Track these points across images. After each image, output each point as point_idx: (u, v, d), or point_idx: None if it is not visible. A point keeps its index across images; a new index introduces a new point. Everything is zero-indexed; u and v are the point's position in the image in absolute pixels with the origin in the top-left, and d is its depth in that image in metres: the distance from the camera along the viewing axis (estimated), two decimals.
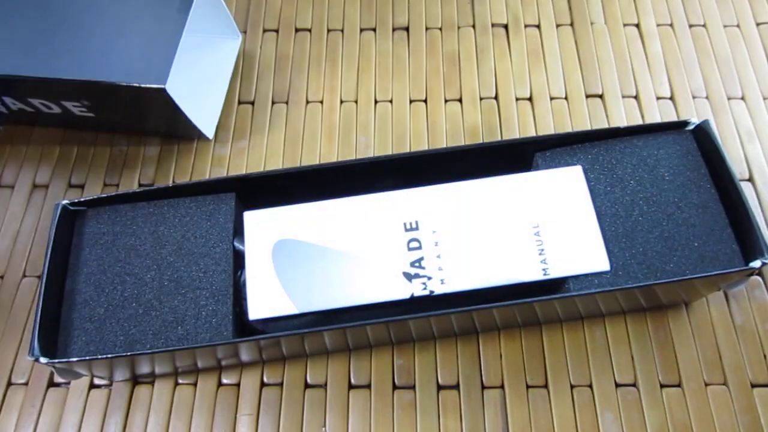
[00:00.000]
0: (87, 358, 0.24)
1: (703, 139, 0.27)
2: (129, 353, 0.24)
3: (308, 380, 0.29)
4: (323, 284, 0.25)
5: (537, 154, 0.28)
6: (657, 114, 0.35)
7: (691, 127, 0.28)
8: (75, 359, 0.24)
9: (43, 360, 0.23)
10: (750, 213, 0.25)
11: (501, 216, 0.26)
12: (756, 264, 0.24)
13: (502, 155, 0.29)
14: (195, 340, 0.25)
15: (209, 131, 0.35)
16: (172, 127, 0.34)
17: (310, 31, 0.39)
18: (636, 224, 0.26)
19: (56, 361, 0.24)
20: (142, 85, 0.30)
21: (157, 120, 0.34)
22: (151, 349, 0.25)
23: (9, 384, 0.29)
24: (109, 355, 0.24)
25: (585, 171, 0.27)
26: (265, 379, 0.29)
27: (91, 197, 0.27)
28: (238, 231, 0.27)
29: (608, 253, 0.26)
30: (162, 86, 0.29)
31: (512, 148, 0.29)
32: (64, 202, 0.27)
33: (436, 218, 0.26)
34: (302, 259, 0.26)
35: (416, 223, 0.26)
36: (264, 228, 0.26)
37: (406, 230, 0.26)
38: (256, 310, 0.25)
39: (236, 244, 0.27)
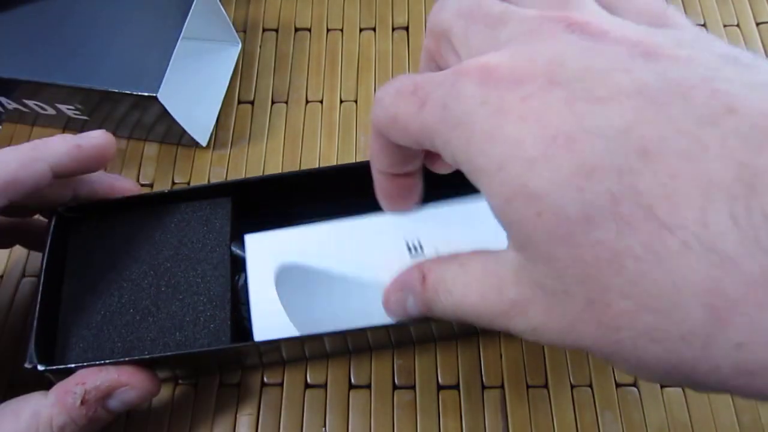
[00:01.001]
0: (84, 365, 0.24)
1: None
2: (126, 358, 0.24)
3: (308, 380, 0.29)
4: (326, 309, 0.25)
5: None
6: None
7: None
8: (73, 366, 0.24)
9: (41, 367, 0.23)
10: None
11: (504, 235, 0.26)
12: None
13: None
14: (193, 346, 0.25)
15: (203, 139, 0.35)
16: (165, 133, 0.34)
17: (309, 30, 0.39)
18: None
19: (54, 368, 0.23)
20: (135, 93, 0.30)
21: (150, 126, 0.34)
22: (149, 355, 0.24)
23: (10, 383, 0.29)
24: (107, 361, 0.24)
25: None
26: (265, 380, 0.29)
27: (87, 203, 0.27)
28: (235, 236, 0.27)
29: None
30: (154, 95, 0.29)
31: None
32: (59, 209, 0.27)
33: (440, 239, 0.26)
34: (305, 283, 0.25)
35: (419, 243, 0.26)
36: (266, 251, 0.26)
37: (411, 253, 0.26)
38: (260, 334, 0.25)
39: (234, 249, 0.27)
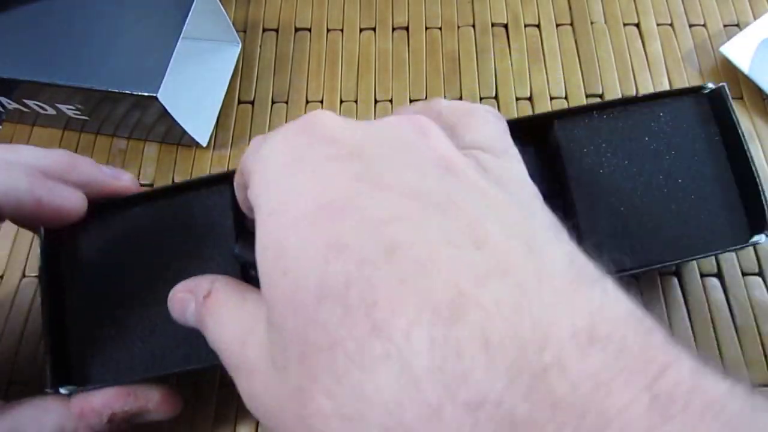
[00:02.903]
0: (100, 386, 0.23)
1: (718, 104, 0.27)
2: (145, 376, 0.23)
3: None
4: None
5: (556, 122, 0.27)
6: None
7: (706, 91, 0.27)
8: (93, 387, 0.23)
9: (63, 391, 0.23)
10: (758, 184, 0.25)
11: None
12: (760, 239, 0.24)
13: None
14: (206, 358, 0.23)
15: (203, 139, 0.35)
16: (165, 133, 0.34)
17: (310, 30, 0.39)
18: (650, 195, 0.25)
19: (76, 389, 0.23)
20: (134, 93, 0.30)
21: (150, 126, 0.34)
22: (164, 368, 0.23)
23: (10, 383, 0.29)
24: (127, 381, 0.23)
25: (603, 143, 0.26)
26: None
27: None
28: (244, 229, 0.25)
29: (619, 227, 0.25)
30: (154, 95, 0.29)
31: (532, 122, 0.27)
32: None
33: None
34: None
35: None
36: None
37: None
38: None
39: (237, 251, 0.24)
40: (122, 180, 0.26)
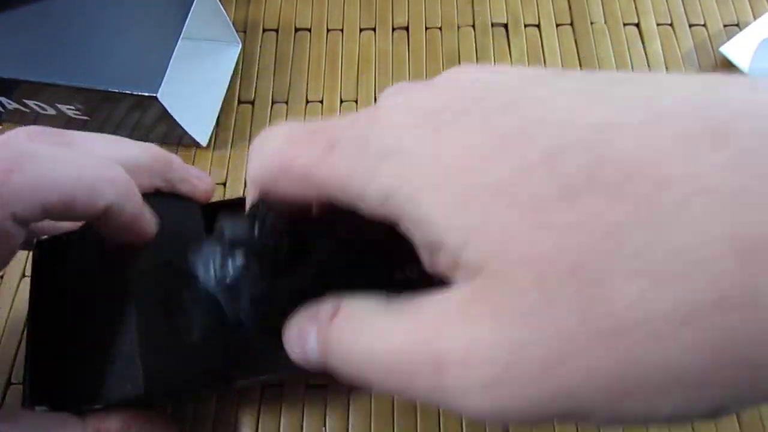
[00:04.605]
0: (83, 409, 0.22)
1: None
2: (130, 403, 0.22)
3: (308, 380, 0.29)
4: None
5: None
6: None
7: None
8: (71, 411, 0.22)
9: (39, 409, 0.22)
10: None
11: None
12: None
13: None
14: (190, 381, 0.22)
15: (203, 139, 0.35)
16: (165, 133, 0.34)
17: (309, 30, 0.39)
18: None
19: (48, 409, 0.22)
20: (135, 93, 0.30)
21: (150, 126, 0.34)
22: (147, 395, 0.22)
23: (9, 384, 0.29)
24: (107, 404, 0.22)
25: None
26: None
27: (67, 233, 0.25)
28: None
29: None
30: (154, 95, 0.29)
31: None
32: (42, 238, 0.25)
33: None
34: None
35: None
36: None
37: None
38: None
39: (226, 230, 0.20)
40: (205, 184, 0.25)
